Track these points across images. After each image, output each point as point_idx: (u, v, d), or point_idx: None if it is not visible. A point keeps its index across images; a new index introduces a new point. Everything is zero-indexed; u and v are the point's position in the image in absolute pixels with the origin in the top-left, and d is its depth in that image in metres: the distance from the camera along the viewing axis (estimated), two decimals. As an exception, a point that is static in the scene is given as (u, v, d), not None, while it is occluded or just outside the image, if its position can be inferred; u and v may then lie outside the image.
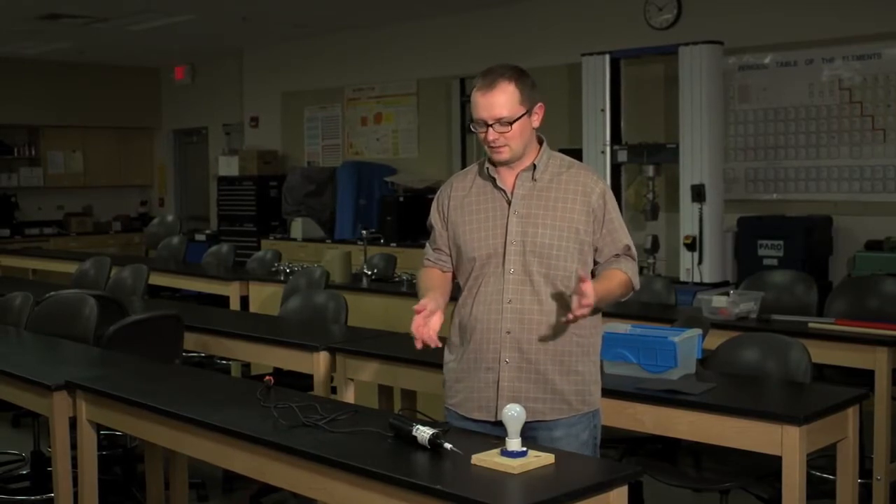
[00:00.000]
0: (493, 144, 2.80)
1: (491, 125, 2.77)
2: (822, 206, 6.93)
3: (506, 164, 2.84)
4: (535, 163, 2.84)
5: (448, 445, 2.52)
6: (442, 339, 2.91)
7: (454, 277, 3.01)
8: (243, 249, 9.05)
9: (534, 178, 2.84)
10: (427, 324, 2.78)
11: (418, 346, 2.79)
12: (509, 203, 2.84)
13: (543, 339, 2.80)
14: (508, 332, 2.80)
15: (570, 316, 2.66)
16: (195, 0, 8.44)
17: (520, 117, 2.78)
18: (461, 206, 2.91)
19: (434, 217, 3.01)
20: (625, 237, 2.88)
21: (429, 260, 3.04)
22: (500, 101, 2.75)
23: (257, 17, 9.26)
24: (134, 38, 10.11)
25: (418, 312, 2.78)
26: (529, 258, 2.79)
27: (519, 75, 2.80)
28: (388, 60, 9.81)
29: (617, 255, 2.86)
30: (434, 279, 2.99)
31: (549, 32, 8.37)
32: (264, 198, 10.53)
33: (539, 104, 2.83)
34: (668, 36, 7.47)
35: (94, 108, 12.30)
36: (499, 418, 2.66)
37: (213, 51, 11.50)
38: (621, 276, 2.84)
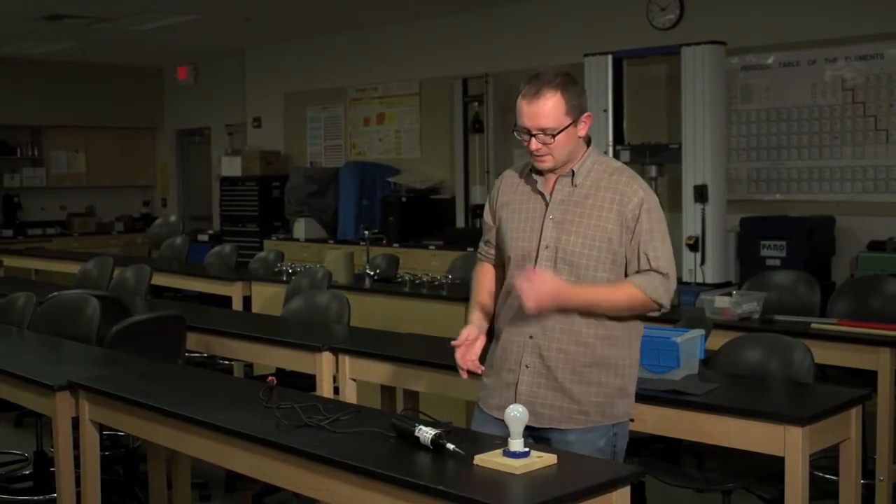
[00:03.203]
0: (536, 154, 2.77)
1: (534, 134, 2.74)
2: (824, 207, 6.93)
3: (549, 171, 2.82)
4: (574, 169, 2.80)
5: (450, 446, 2.52)
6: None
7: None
8: (246, 250, 9.05)
9: (574, 184, 2.80)
10: (469, 351, 2.86)
11: (463, 375, 2.87)
12: (547, 206, 2.82)
13: (564, 348, 2.77)
14: (531, 337, 2.80)
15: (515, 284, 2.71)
16: (197, 0, 8.45)
17: (564, 128, 2.73)
18: (507, 204, 2.92)
19: (486, 209, 3.04)
20: (652, 250, 2.73)
21: (481, 254, 3.10)
22: (544, 111, 2.71)
23: (259, 17, 9.26)
24: (136, 38, 10.12)
25: (457, 346, 2.86)
26: (560, 265, 2.77)
27: (566, 85, 2.74)
28: (391, 61, 9.81)
29: (638, 270, 2.76)
30: (485, 286, 3.04)
31: (551, 33, 8.36)
32: (267, 198, 10.53)
33: (586, 113, 2.78)
34: (670, 36, 7.47)
35: (97, 108, 12.30)
36: None
37: (216, 51, 11.50)
38: (629, 288, 2.73)
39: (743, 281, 6.06)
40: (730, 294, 4.95)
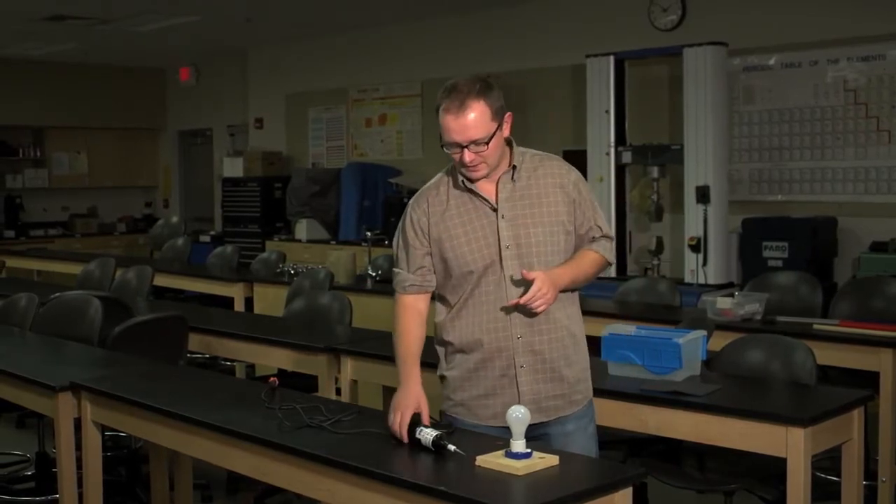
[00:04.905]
0: (469, 165, 2.75)
1: (466, 147, 2.72)
2: (826, 208, 6.92)
3: (481, 178, 2.81)
4: (515, 164, 2.82)
5: (452, 447, 2.52)
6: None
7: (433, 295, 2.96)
8: (248, 251, 9.06)
9: (513, 179, 2.82)
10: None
11: (406, 440, 2.69)
12: (495, 209, 2.80)
13: (551, 338, 2.81)
14: (519, 337, 2.79)
15: (522, 301, 2.69)
16: (199, 1, 8.45)
17: (493, 134, 2.72)
18: (443, 221, 2.84)
19: (410, 237, 2.88)
20: (597, 219, 2.91)
21: (413, 286, 2.89)
22: (472, 122, 2.68)
23: (261, 18, 9.27)
24: (138, 39, 10.13)
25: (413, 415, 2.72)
26: (526, 259, 2.78)
27: (486, 90, 2.71)
28: (393, 61, 9.82)
29: (593, 238, 2.89)
30: (415, 334, 2.92)
31: (553, 33, 8.35)
32: (269, 199, 10.54)
33: (508, 114, 2.77)
34: (672, 37, 7.46)
35: (99, 109, 12.31)
36: None
37: (218, 52, 11.51)
38: (592, 254, 2.88)
39: (745, 282, 6.05)
40: (732, 295, 4.95)
